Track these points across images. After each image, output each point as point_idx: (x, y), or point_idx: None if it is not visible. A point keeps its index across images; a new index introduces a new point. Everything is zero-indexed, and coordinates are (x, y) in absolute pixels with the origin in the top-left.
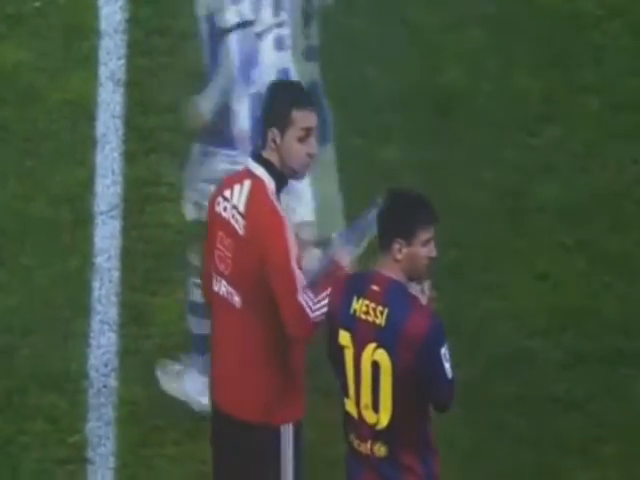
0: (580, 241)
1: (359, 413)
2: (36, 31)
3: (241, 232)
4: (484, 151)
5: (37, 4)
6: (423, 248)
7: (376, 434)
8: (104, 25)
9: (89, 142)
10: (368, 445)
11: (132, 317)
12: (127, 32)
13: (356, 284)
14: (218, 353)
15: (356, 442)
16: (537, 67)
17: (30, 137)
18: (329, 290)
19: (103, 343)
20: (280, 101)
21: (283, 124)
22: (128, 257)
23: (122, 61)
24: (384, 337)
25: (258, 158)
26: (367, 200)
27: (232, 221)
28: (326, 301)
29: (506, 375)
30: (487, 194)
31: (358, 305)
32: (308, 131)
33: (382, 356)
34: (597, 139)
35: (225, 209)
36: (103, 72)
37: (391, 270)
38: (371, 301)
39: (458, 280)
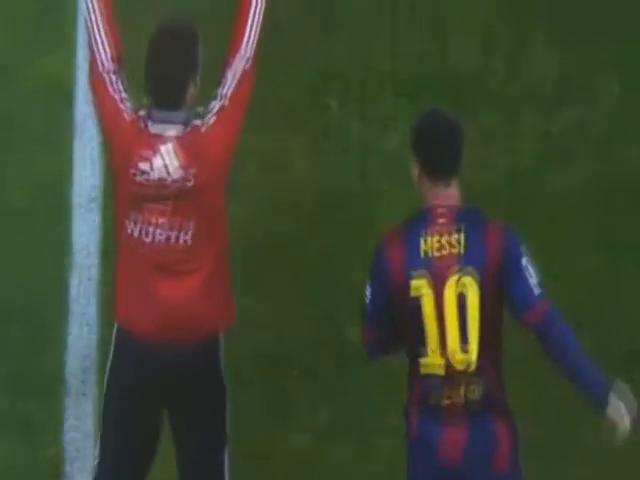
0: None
1: (447, 361)
2: (11, 10)
3: (190, 183)
4: (497, 134)
5: None
6: None
7: (469, 375)
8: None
9: (67, 129)
10: (461, 391)
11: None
12: None
13: (411, 230)
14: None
15: (440, 398)
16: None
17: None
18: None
19: (81, 345)
20: (193, 48)
21: (198, 70)
22: (108, 253)
23: None
24: (467, 262)
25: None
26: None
27: (167, 182)
28: (255, 30)
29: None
30: (498, 177)
31: (428, 245)
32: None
33: (469, 282)
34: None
35: (148, 179)
36: (81, 54)
37: (451, 199)
38: (441, 235)
39: None
